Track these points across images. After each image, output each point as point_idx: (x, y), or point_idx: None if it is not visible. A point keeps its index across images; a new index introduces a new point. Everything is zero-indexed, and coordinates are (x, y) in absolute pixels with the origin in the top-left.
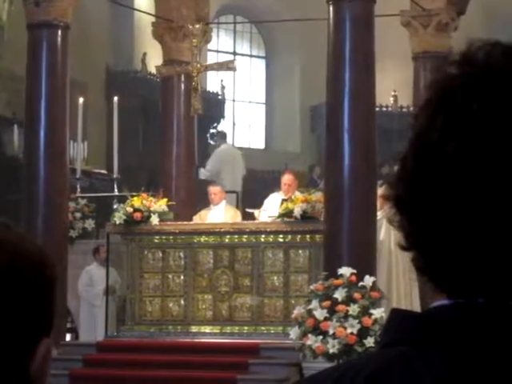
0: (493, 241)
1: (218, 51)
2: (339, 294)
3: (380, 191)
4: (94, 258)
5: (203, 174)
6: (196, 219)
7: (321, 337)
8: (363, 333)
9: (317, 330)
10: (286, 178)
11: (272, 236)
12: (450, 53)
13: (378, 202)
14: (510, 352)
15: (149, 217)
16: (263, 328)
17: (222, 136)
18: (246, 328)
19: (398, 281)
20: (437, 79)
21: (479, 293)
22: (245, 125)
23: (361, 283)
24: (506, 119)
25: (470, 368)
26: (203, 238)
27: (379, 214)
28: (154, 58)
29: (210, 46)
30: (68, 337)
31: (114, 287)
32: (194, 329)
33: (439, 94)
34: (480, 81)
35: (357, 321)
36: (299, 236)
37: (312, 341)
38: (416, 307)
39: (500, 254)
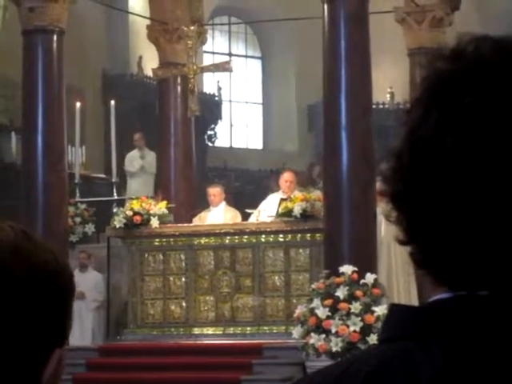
0: (492, 232)
1: (213, 52)
2: (341, 292)
3: (378, 187)
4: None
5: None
6: (196, 221)
7: (323, 335)
8: (366, 330)
9: (319, 328)
10: (287, 175)
11: (272, 236)
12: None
13: (377, 198)
14: (510, 344)
15: (148, 220)
16: (266, 328)
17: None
18: (248, 328)
19: (397, 277)
20: (428, 74)
21: (479, 285)
22: (242, 125)
23: (362, 281)
24: (499, 111)
25: (470, 360)
26: (203, 240)
27: (378, 210)
28: (149, 60)
29: (205, 47)
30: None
31: (82, 292)
32: (196, 330)
33: (431, 89)
34: (471, 75)
35: (359, 318)
36: (299, 235)
37: (315, 339)
38: (414, 303)
39: (499, 245)
